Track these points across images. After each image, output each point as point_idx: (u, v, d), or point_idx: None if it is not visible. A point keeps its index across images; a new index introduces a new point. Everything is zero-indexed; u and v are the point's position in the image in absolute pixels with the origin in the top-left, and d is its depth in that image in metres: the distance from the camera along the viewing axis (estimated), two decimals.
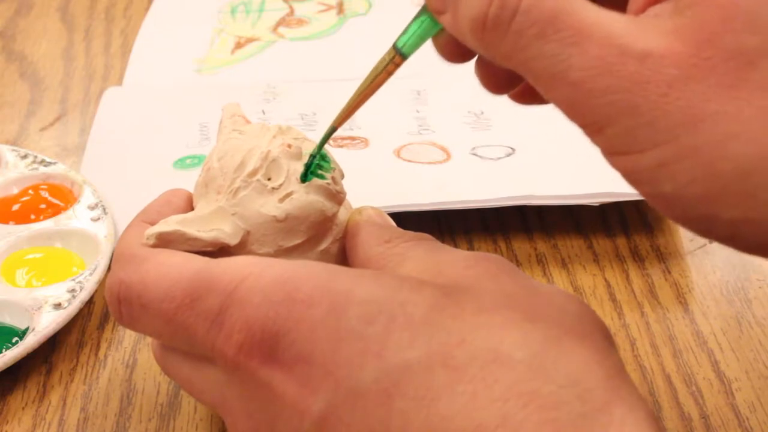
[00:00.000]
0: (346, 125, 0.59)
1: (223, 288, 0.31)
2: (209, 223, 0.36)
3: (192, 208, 0.38)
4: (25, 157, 0.55)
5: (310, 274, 0.31)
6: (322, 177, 0.36)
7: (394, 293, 0.30)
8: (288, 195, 0.36)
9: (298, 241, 0.36)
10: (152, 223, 0.36)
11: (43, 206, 0.52)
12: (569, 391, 0.27)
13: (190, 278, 0.32)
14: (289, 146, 0.36)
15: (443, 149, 0.57)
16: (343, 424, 0.29)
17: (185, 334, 0.32)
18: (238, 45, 0.70)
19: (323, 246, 0.37)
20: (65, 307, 0.45)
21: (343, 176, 0.38)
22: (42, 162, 0.55)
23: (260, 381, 0.30)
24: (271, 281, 0.31)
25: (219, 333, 0.31)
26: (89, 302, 0.47)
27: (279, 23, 0.73)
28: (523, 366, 0.28)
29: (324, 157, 0.37)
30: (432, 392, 0.28)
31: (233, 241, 0.35)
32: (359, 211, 0.38)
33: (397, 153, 0.56)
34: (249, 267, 0.32)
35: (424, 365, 0.28)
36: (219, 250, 0.36)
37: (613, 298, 0.48)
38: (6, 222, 0.51)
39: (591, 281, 0.49)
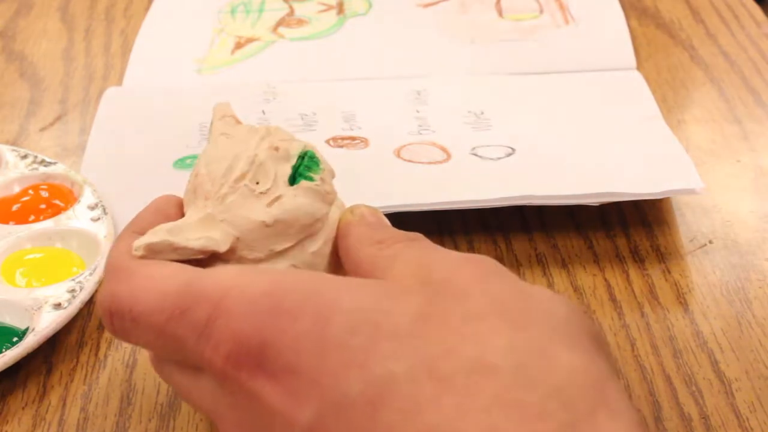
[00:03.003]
0: (346, 125, 0.60)
1: (210, 299, 0.31)
2: (198, 230, 0.35)
3: (183, 214, 0.37)
4: (25, 157, 0.55)
5: (296, 283, 0.31)
6: (310, 179, 0.36)
7: (379, 302, 0.30)
8: (276, 199, 0.35)
9: (288, 245, 0.36)
10: (142, 233, 0.35)
11: (43, 206, 0.52)
12: (554, 401, 0.27)
13: (178, 290, 0.32)
14: (276, 149, 0.36)
15: (443, 149, 0.57)
16: None
17: (176, 345, 0.32)
18: (238, 45, 0.70)
19: (315, 247, 0.36)
20: (65, 307, 0.45)
21: (333, 175, 0.37)
22: (42, 162, 0.55)
23: (249, 391, 0.30)
24: (257, 291, 0.31)
25: (207, 344, 0.31)
26: (89, 302, 0.47)
27: (279, 23, 0.73)
28: (508, 376, 0.27)
29: (312, 158, 0.36)
30: (417, 404, 0.27)
31: (222, 248, 0.35)
32: (351, 210, 0.37)
33: (397, 153, 0.56)
34: (236, 278, 0.32)
35: (409, 376, 0.28)
36: (209, 257, 0.35)
37: (613, 298, 0.48)
38: (6, 222, 0.51)
39: (591, 281, 0.49)
